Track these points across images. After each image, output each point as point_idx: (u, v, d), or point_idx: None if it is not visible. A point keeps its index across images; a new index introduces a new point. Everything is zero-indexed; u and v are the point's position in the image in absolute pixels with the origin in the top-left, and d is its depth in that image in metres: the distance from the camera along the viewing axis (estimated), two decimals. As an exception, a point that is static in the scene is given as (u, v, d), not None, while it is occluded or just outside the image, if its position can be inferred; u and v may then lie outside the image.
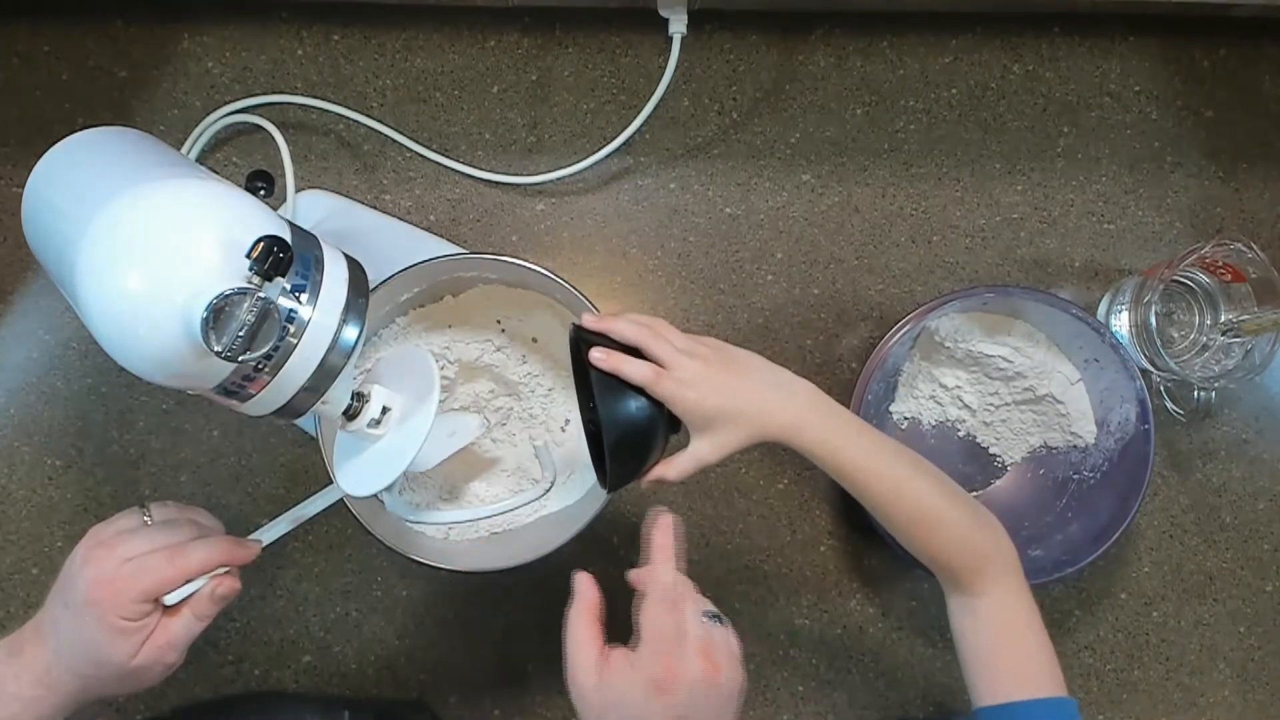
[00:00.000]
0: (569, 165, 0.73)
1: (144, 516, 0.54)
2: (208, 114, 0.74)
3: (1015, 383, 0.72)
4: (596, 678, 0.48)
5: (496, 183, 0.75)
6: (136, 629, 0.50)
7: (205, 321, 0.43)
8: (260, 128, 0.73)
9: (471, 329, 0.69)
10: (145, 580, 0.50)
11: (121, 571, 0.50)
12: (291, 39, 0.75)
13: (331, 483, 0.58)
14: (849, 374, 0.75)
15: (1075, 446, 0.72)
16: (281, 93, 0.75)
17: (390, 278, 0.62)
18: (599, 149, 0.72)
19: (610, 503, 0.63)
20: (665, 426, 0.54)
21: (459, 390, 0.69)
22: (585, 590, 0.52)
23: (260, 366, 0.46)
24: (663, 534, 0.53)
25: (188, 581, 0.51)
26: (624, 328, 0.54)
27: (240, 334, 0.43)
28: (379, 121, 0.74)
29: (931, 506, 0.55)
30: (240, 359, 0.44)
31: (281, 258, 0.44)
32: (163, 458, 0.73)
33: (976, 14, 0.77)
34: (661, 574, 0.51)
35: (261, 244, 0.44)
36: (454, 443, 0.59)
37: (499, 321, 0.69)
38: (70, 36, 0.75)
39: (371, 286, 0.53)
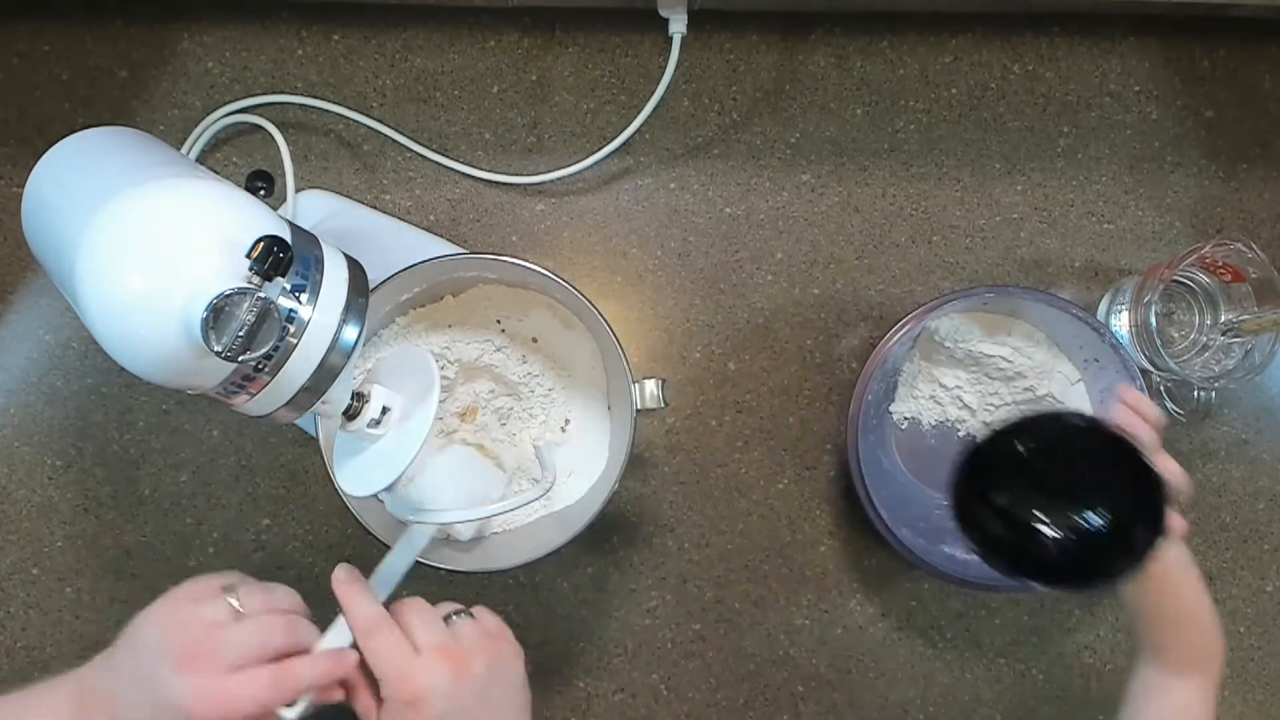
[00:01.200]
0: (569, 165, 0.73)
1: (231, 600, 0.50)
2: (208, 114, 0.74)
3: (1015, 383, 0.72)
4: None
5: (496, 183, 0.75)
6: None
7: (205, 321, 0.43)
8: (260, 128, 0.73)
9: (471, 329, 0.69)
10: (251, 704, 0.47)
11: (226, 689, 0.47)
12: (291, 39, 0.75)
13: (406, 531, 0.57)
14: (849, 374, 0.75)
15: (1075, 446, 0.72)
16: (281, 93, 0.75)
17: (390, 278, 0.62)
18: (599, 149, 0.72)
19: (610, 503, 0.63)
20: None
21: (459, 390, 0.69)
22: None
23: (260, 366, 0.46)
24: (343, 585, 0.51)
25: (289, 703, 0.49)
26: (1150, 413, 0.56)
27: (240, 334, 0.43)
28: (379, 121, 0.74)
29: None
30: (240, 359, 0.44)
31: (281, 258, 0.44)
32: (163, 458, 0.73)
33: (976, 14, 0.77)
34: (357, 612, 0.50)
35: (261, 244, 0.44)
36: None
37: (499, 321, 0.69)
38: (70, 36, 0.75)
39: (371, 286, 0.53)
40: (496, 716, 0.50)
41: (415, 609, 0.51)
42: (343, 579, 0.52)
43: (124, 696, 0.48)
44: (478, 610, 0.53)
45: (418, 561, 0.62)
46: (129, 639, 0.49)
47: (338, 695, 0.51)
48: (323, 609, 0.73)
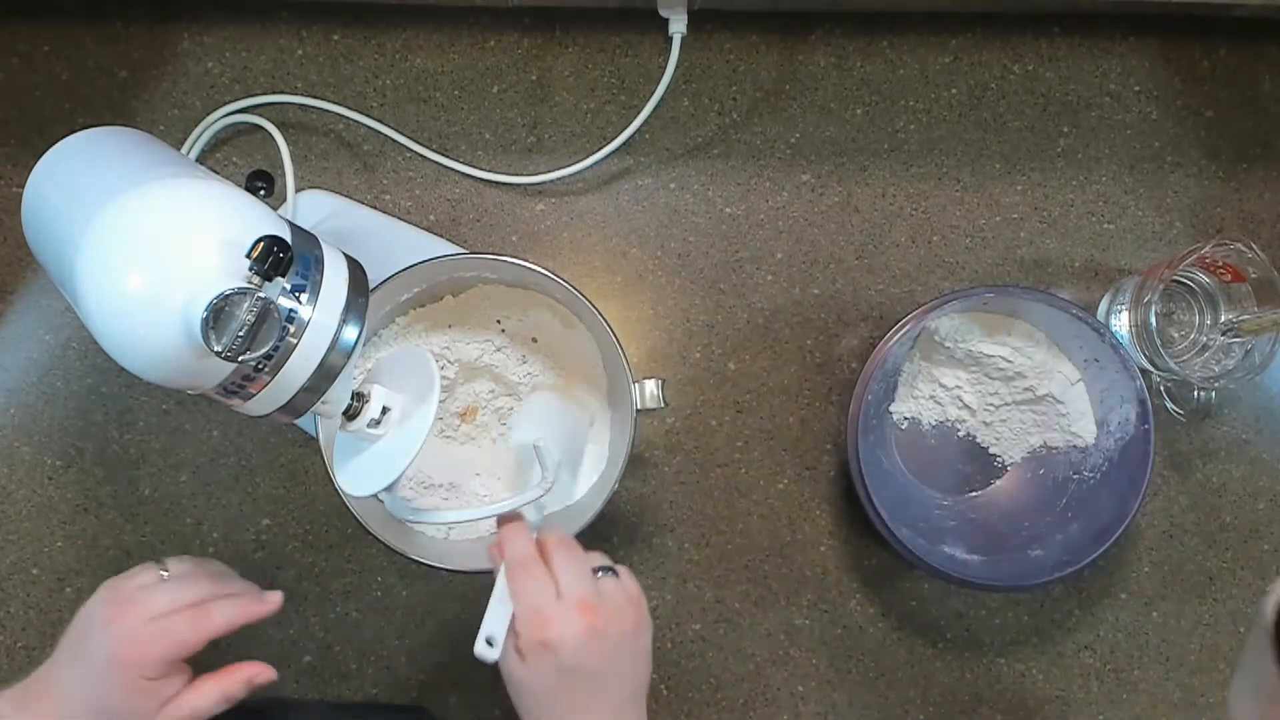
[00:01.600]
0: (569, 165, 0.73)
1: (160, 571, 0.54)
2: (208, 114, 0.74)
3: (1015, 383, 0.72)
4: (505, 667, 0.50)
5: (496, 183, 0.75)
6: (157, 687, 0.50)
7: (205, 321, 0.43)
8: (260, 128, 0.73)
9: (471, 329, 0.69)
10: (169, 640, 0.50)
11: (146, 630, 0.50)
12: (291, 39, 0.75)
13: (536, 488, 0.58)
14: (849, 374, 0.75)
15: (1075, 446, 0.72)
16: (281, 93, 0.75)
17: (390, 278, 0.62)
18: (599, 149, 0.72)
19: (610, 503, 0.63)
20: None
21: (459, 390, 0.69)
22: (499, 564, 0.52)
23: (260, 366, 0.46)
24: (507, 521, 0.54)
25: (211, 640, 0.52)
26: None
27: (240, 334, 0.43)
28: (379, 121, 0.74)
29: None
30: (240, 359, 0.44)
31: (281, 258, 0.44)
32: (163, 458, 0.73)
33: (976, 14, 0.77)
34: (512, 546, 0.52)
35: (261, 244, 0.44)
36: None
37: (499, 321, 0.69)
38: (70, 36, 0.75)
39: (371, 286, 0.53)
40: (618, 683, 0.50)
41: (568, 553, 0.51)
42: (508, 518, 0.55)
43: (60, 674, 0.51)
44: (623, 572, 0.53)
45: (419, 561, 0.63)
46: (70, 627, 0.53)
47: (272, 676, 0.54)
48: (319, 608, 0.73)
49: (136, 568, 0.55)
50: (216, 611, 0.52)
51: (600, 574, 0.52)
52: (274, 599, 0.56)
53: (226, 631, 0.52)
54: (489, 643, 0.50)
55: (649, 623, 0.53)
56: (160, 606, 0.51)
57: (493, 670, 0.73)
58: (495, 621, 0.50)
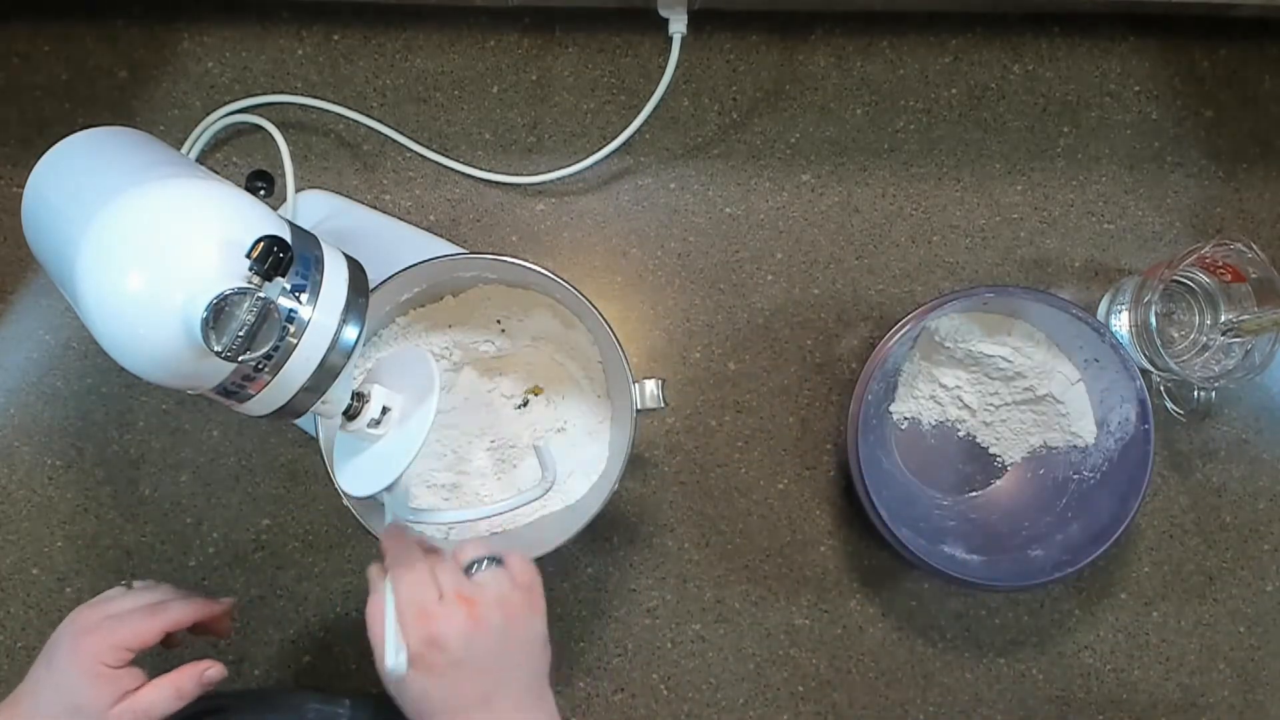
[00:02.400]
0: (569, 165, 0.73)
1: (125, 585, 0.58)
2: (208, 114, 0.74)
3: (1015, 383, 0.72)
4: (400, 686, 0.50)
5: (496, 183, 0.75)
6: (115, 676, 0.52)
7: (205, 321, 0.43)
8: (260, 128, 0.73)
9: (471, 329, 0.69)
10: (126, 629, 0.53)
11: (104, 624, 0.53)
12: (291, 39, 0.75)
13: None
14: (849, 374, 0.75)
15: (1075, 446, 0.72)
16: (281, 93, 0.75)
17: (390, 278, 0.62)
18: (599, 149, 0.72)
19: (610, 503, 0.63)
20: None
21: (459, 385, 0.69)
22: (377, 584, 0.53)
23: (260, 366, 0.46)
24: (389, 530, 0.55)
25: (166, 634, 0.55)
26: None
27: (240, 334, 0.43)
28: (379, 121, 0.74)
29: None
30: (240, 359, 0.44)
31: (281, 258, 0.44)
32: (163, 458, 0.73)
33: (976, 14, 0.77)
34: (393, 552, 0.53)
35: (261, 244, 0.44)
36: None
37: (499, 321, 0.69)
38: (70, 36, 0.75)
39: (371, 286, 0.53)
40: (513, 670, 0.51)
41: (439, 556, 0.53)
42: (391, 528, 0.55)
43: (31, 684, 0.53)
44: (511, 559, 0.53)
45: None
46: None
47: (222, 672, 0.56)
48: (319, 608, 0.73)
49: (104, 592, 0.58)
50: (172, 607, 0.56)
51: (478, 566, 0.52)
52: (227, 602, 0.60)
53: (180, 624, 0.56)
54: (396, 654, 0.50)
55: (540, 606, 0.53)
56: (121, 606, 0.55)
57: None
58: (396, 635, 0.50)
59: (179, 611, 0.56)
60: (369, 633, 0.51)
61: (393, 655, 0.49)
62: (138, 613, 0.55)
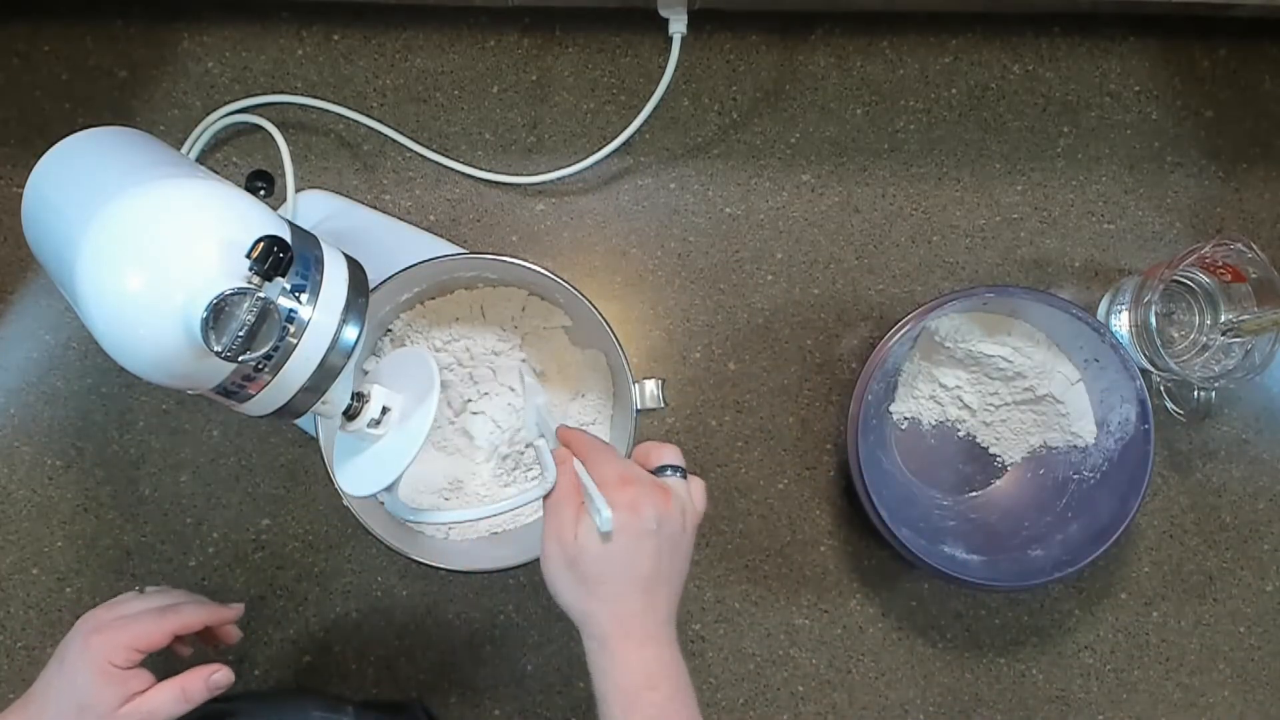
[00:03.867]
0: (569, 165, 0.73)
1: (138, 591, 0.60)
2: (208, 114, 0.74)
3: (1015, 383, 0.72)
4: (573, 531, 0.49)
5: (496, 183, 0.75)
6: (124, 677, 0.53)
7: (205, 321, 0.43)
8: (260, 128, 0.73)
9: (471, 329, 0.69)
10: (136, 629, 0.54)
11: (115, 624, 0.54)
12: (291, 39, 0.75)
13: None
14: (849, 374, 0.75)
15: (1075, 446, 0.72)
16: (281, 93, 0.75)
17: (390, 278, 0.62)
18: (599, 149, 0.72)
19: (610, 503, 0.63)
20: None
21: (458, 386, 0.69)
22: (563, 461, 0.52)
23: (260, 366, 0.46)
24: (568, 430, 0.55)
25: (176, 637, 0.56)
26: None
27: (240, 334, 0.43)
28: (379, 121, 0.74)
29: None
30: (240, 359, 0.44)
31: (281, 258, 0.44)
32: (163, 458, 0.73)
33: (976, 14, 0.77)
34: (582, 440, 0.53)
35: (261, 244, 0.44)
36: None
37: (499, 321, 0.69)
38: (70, 36, 0.75)
39: (371, 286, 0.53)
40: (674, 579, 0.51)
41: (638, 454, 0.53)
42: (562, 428, 0.55)
43: (42, 683, 0.54)
44: (694, 481, 0.53)
45: (419, 562, 0.63)
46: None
47: (230, 677, 0.56)
48: (319, 608, 0.73)
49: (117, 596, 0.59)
50: (183, 610, 0.56)
51: (669, 472, 0.52)
52: (237, 606, 0.61)
53: (190, 628, 0.56)
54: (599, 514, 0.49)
55: (693, 540, 0.53)
56: (133, 608, 0.56)
57: (493, 670, 0.73)
58: (594, 497, 0.49)
59: (189, 615, 0.57)
60: (548, 506, 0.51)
61: (601, 510, 0.49)
62: (148, 614, 0.55)
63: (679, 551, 0.51)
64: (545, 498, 0.52)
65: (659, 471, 0.52)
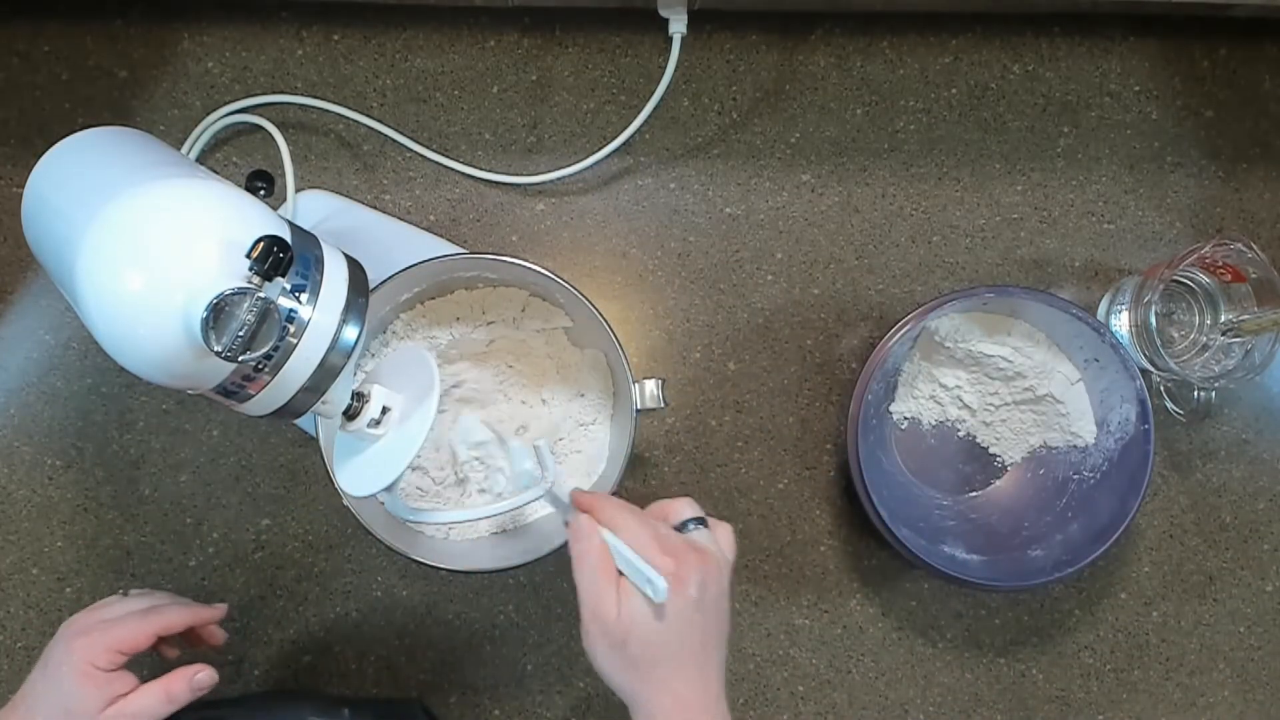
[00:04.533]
0: (569, 165, 0.73)
1: (122, 594, 0.59)
2: (208, 114, 0.74)
3: (1015, 383, 0.72)
4: (616, 609, 0.47)
5: (496, 183, 0.75)
6: (107, 679, 0.53)
7: (205, 321, 0.43)
8: (260, 128, 0.73)
9: (471, 329, 0.69)
10: (119, 631, 0.54)
11: (97, 627, 0.54)
12: (291, 39, 0.75)
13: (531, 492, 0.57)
14: (849, 374, 0.75)
15: (1075, 446, 0.72)
16: (281, 93, 0.75)
17: (390, 278, 0.62)
18: (599, 149, 0.72)
19: (610, 503, 0.63)
20: None
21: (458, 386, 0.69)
22: (590, 532, 0.50)
23: (260, 366, 0.46)
24: (585, 494, 0.52)
25: (160, 638, 0.56)
26: None
27: (240, 334, 0.43)
28: (379, 121, 0.74)
29: None
30: (240, 359, 0.44)
31: (281, 258, 0.44)
32: (163, 458, 0.73)
33: (976, 14, 0.77)
34: (605, 505, 0.51)
35: (261, 244, 0.44)
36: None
37: (499, 322, 0.69)
38: (70, 36, 0.75)
39: (371, 286, 0.53)
40: (719, 638, 0.50)
41: (656, 513, 0.51)
42: (576, 492, 0.53)
43: (28, 687, 0.54)
44: (719, 529, 0.52)
45: (419, 562, 0.63)
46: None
47: (214, 678, 0.56)
48: (319, 608, 0.73)
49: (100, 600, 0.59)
50: (166, 611, 0.56)
51: (691, 527, 0.51)
52: (220, 606, 0.61)
53: (173, 628, 0.56)
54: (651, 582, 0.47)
55: (729, 590, 0.51)
56: (115, 611, 0.56)
57: (493, 670, 0.73)
58: (641, 569, 0.47)
59: (172, 615, 0.56)
60: (581, 581, 0.48)
61: (653, 580, 0.46)
62: (131, 616, 0.55)
63: (723, 613, 0.50)
64: (567, 549, 0.50)
65: (682, 528, 0.51)
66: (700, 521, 0.51)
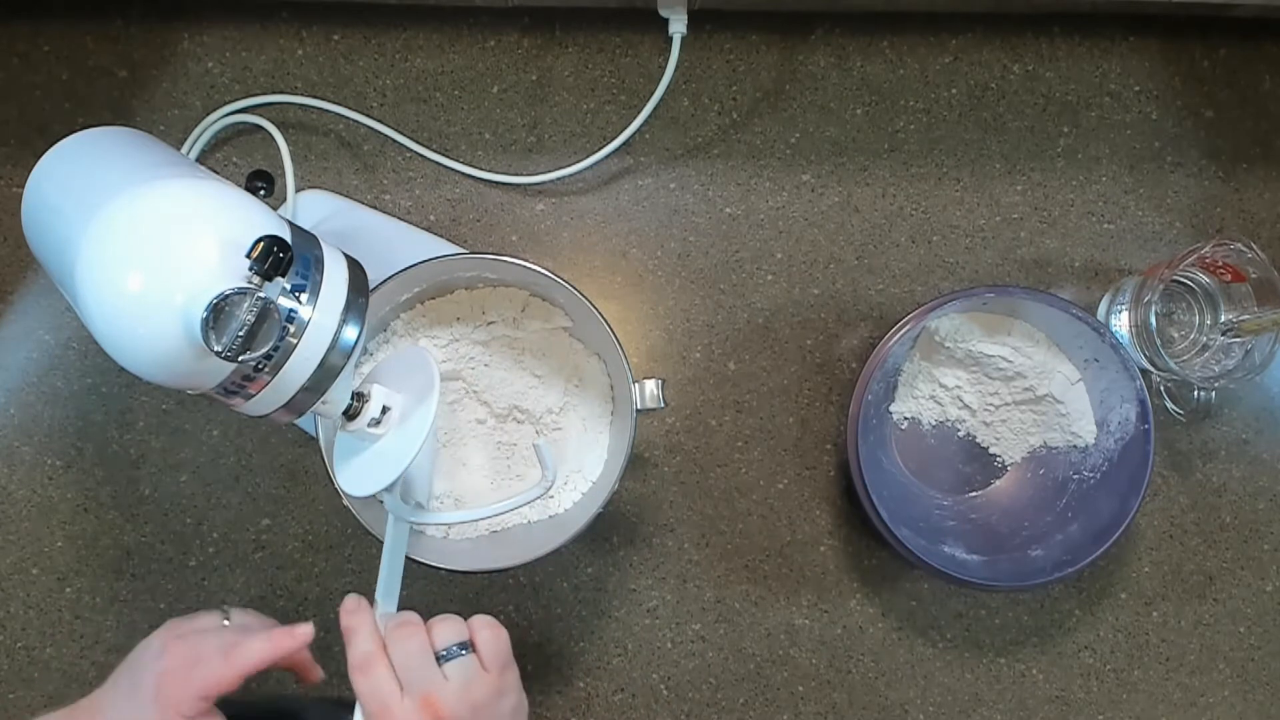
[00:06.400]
0: (569, 165, 0.73)
1: (223, 619, 0.56)
2: (208, 114, 0.74)
3: (1015, 383, 0.72)
4: None
5: (496, 183, 0.75)
6: None
7: (205, 321, 0.43)
8: (260, 128, 0.73)
9: (471, 329, 0.69)
10: (205, 677, 0.52)
11: (185, 670, 0.52)
12: (291, 39, 0.75)
13: (388, 533, 0.58)
14: (849, 374, 0.75)
15: (1075, 446, 0.72)
16: (281, 93, 0.75)
17: (390, 278, 0.62)
18: (599, 149, 0.72)
19: (609, 503, 0.63)
20: None
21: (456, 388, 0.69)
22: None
23: (260, 366, 0.46)
24: (349, 615, 0.53)
25: (244, 679, 0.53)
26: None
27: (240, 334, 0.43)
28: (379, 121, 0.74)
29: None
30: (240, 359, 0.44)
31: (281, 258, 0.44)
32: (163, 458, 0.73)
33: (976, 14, 0.77)
34: (352, 648, 0.52)
35: (261, 244, 0.44)
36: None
37: (499, 321, 0.69)
38: (70, 36, 0.75)
39: (371, 286, 0.53)
40: None
41: (405, 643, 0.51)
42: (350, 609, 0.54)
43: (112, 699, 0.53)
44: (479, 642, 0.52)
45: (419, 562, 0.63)
46: (128, 656, 0.54)
47: (316, 675, 0.56)
48: (320, 608, 0.73)
49: (202, 612, 0.56)
50: (248, 647, 0.53)
51: (454, 652, 0.51)
52: (303, 631, 0.56)
53: (259, 667, 0.53)
54: None
55: (511, 681, 0.52)
56: (207, 646, 0.53)
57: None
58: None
59: (255, 654, 0.54)
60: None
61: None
62: (217, 657, 0.53)
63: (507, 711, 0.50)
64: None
65: (439, 657, 0.51)
66: (463, 647, 0.51)
